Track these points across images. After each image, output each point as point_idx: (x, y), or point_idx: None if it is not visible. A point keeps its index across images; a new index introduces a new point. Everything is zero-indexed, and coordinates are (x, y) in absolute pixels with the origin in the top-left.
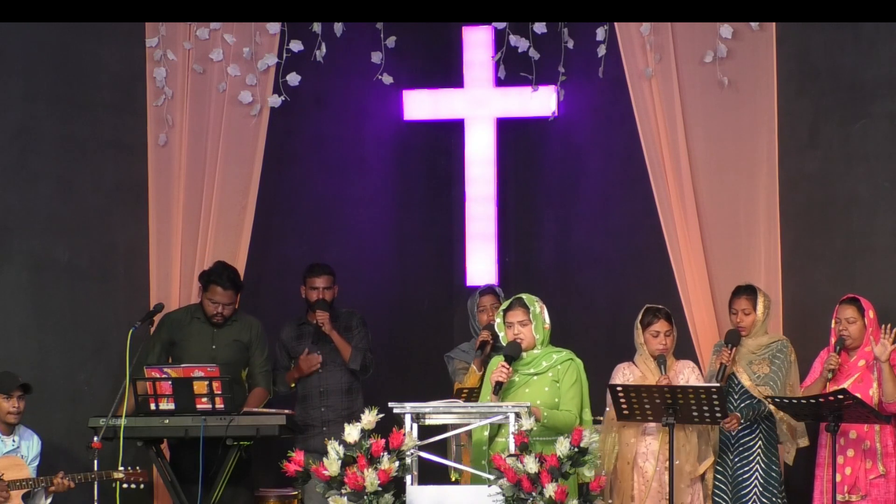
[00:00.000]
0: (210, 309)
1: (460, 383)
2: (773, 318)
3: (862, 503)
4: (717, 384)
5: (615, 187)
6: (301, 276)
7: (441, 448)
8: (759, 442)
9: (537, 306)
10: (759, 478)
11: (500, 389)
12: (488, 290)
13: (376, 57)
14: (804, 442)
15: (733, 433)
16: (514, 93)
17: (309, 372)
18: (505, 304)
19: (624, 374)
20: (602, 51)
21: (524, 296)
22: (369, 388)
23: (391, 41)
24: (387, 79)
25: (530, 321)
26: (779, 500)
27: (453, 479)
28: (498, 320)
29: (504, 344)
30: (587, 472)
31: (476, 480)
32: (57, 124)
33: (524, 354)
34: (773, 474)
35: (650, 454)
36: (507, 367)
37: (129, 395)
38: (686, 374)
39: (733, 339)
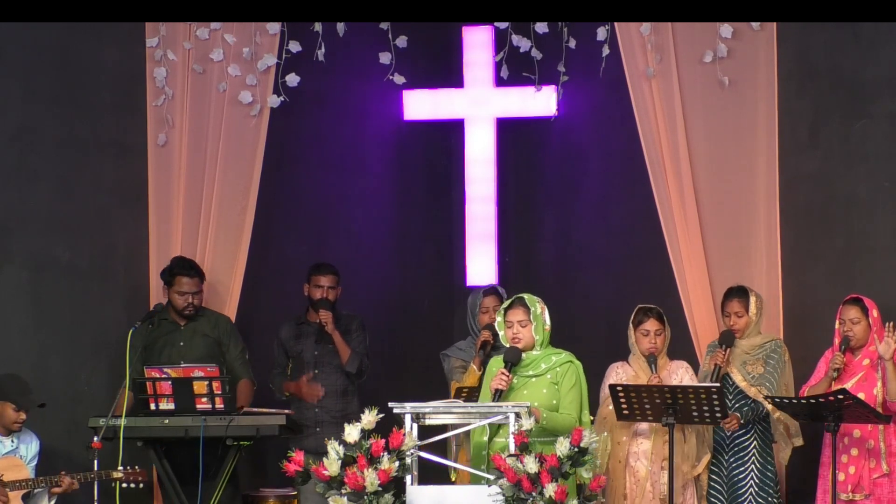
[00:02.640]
0: (179, 302)
1: (458, 382)
2: (770, 318)
3: (866, 502)
4: (717, 384)
5: (615, 187)
6: (306, 274)
7: (441, 448)
8: (755, 442)
9: (538, 307)
10: (755, 478)
11: (499, 397)
12: (491, 290)
13: (385, 57)
14: (798, 441)
15: (729, 433)
16: (514, 93)
17: (307, 399)
18: (506, 304)
19: (617, 374)
20: (606, 51)
21: (525, 296)
22: (369, 388)
23: (402, 41)
24: (398, 79)
25: (530, 321)
26: (774, 500)
27: (452, 479)
28: (499, 319)
29: (505, 344)
30: (585, 474)
31: (475, 481)
32: (57, 124)
33: (524, 356)
34: (769, 474)
35: (642, 454)
36: (507, 374)
37: (129, 394)
38: (679, 375)
39: (727, 340)
